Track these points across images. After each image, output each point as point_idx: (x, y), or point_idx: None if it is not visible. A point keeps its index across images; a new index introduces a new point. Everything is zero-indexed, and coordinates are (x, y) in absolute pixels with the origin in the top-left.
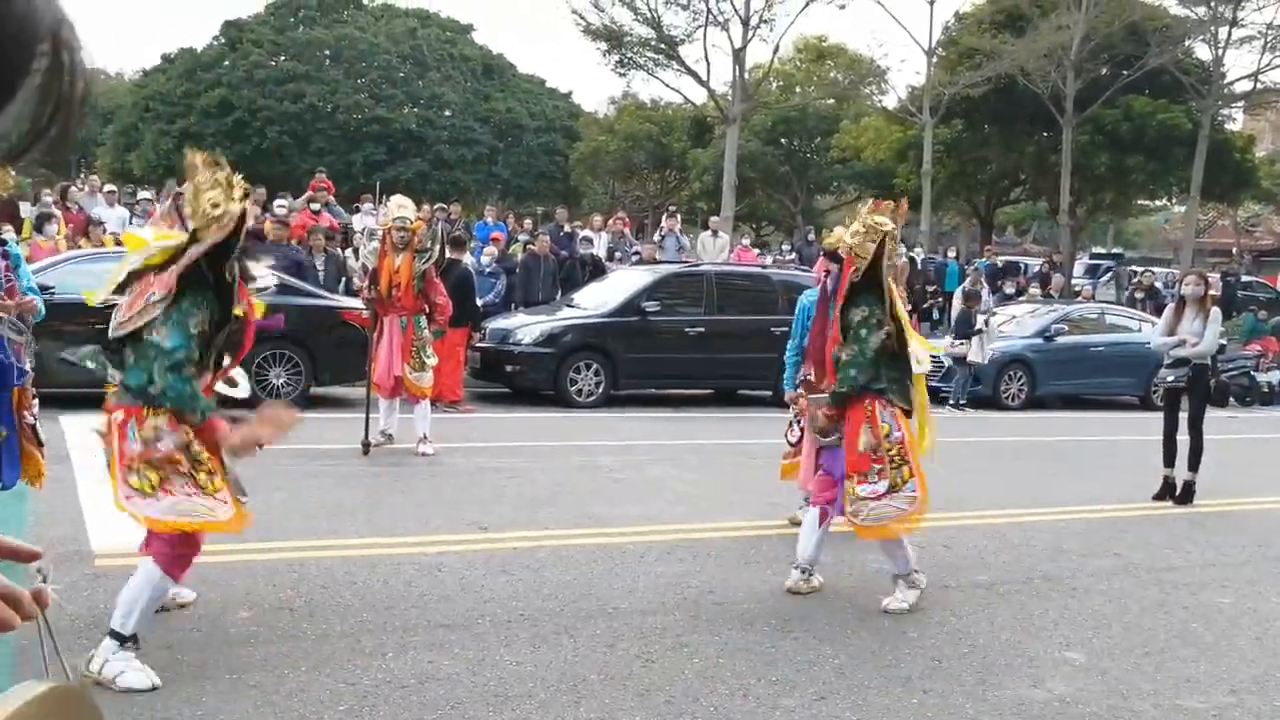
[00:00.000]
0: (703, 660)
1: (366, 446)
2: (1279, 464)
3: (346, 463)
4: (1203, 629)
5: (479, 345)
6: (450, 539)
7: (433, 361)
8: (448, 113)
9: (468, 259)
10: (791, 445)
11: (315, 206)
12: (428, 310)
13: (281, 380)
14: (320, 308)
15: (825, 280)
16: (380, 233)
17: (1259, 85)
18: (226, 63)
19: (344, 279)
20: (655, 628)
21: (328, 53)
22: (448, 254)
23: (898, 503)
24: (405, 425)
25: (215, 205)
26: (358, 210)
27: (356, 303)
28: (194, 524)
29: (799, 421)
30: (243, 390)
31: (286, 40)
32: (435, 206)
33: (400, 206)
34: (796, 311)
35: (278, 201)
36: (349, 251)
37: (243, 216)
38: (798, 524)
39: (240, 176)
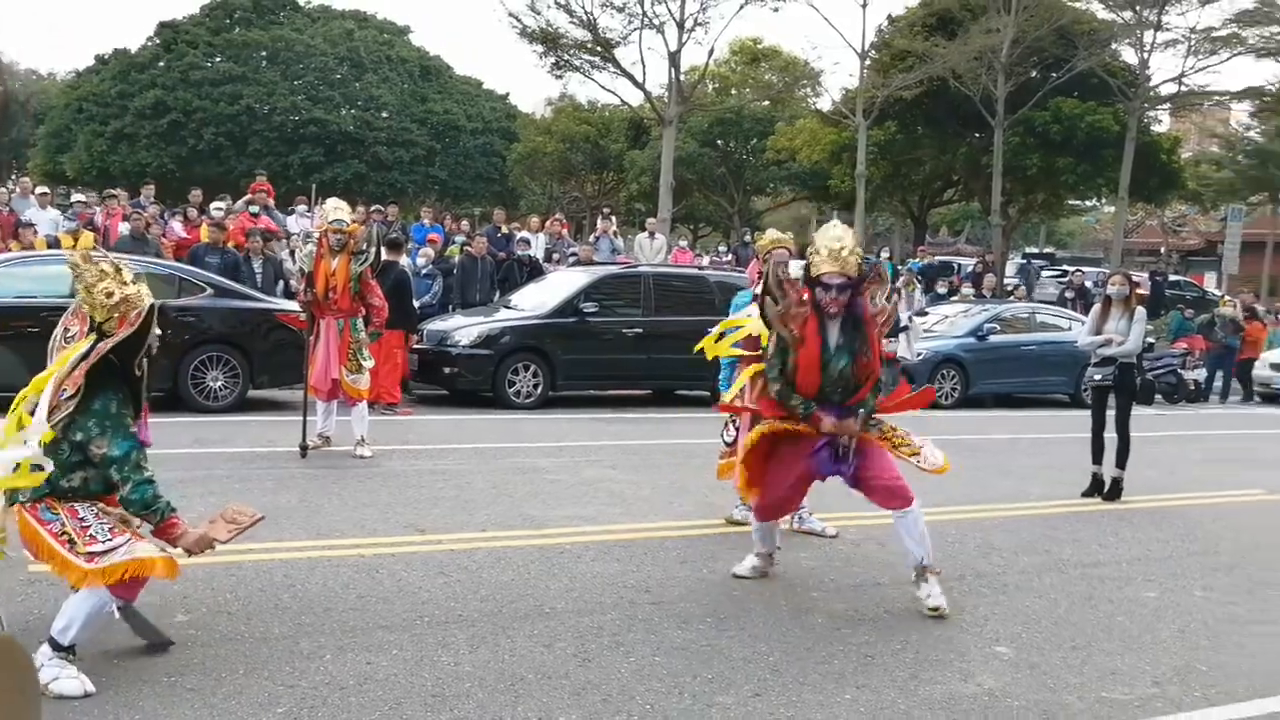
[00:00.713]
0: (639, 658)
1: (304, 449)
2: (1204, 461)
3: (284, 466)
4: (1128, 622)
5: (416, 347)
6: (388, 541)
7: (370, 364)
8: (385, 114)
9: (404, 260)
10: (728, 445)
11: (254, 209)
12: (364, 312)
13: (219, 383)
14: (257, 310)
15: (828, 303)
16: (316, 235)
17: (1183, 88)
18: (161, 64)
19: (281, 281)
20: (592, 627)
21: (264, 54)
22: (384, 256)
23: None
24: (343, 428)
25: (109, 294)
26: (293, 212)
27: (293, 305)
28: (147, 560)
29: (735, 422)
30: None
31: (222, 41)
32: (372, 208)
33: (336, 208)
34: (732, 312)
35: (215, 204)
36: (285, 253)
37: (153, 310)
38: (734, 523)
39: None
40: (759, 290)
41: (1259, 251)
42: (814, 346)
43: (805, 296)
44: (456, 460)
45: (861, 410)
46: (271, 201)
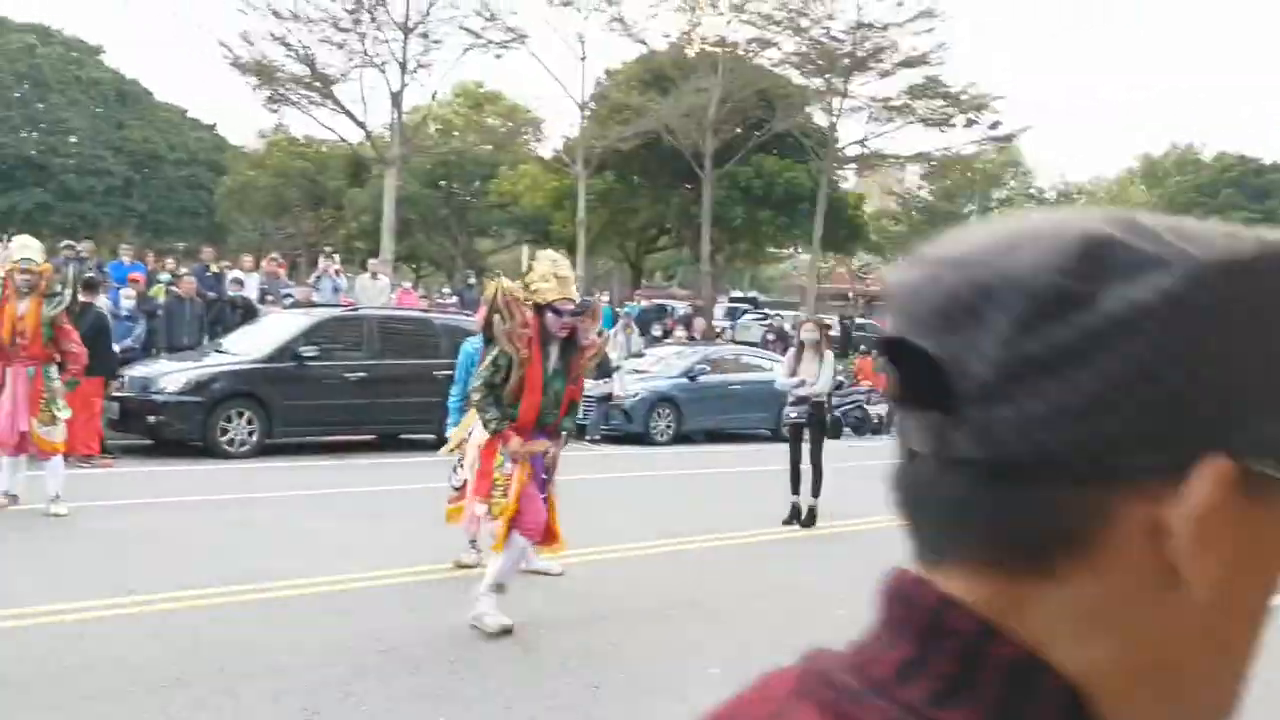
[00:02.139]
0: (370, 707)
1: None
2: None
3: None
4: (831, 638)
5: (117, 394)
6: (92, 604)
7: (65, 414)
8: (73, 139)
9: (102, 301)
10: (455, 489)
11: None
12: (59, 358)
13: None
14: None
15: (558, 326)
16: (0, 276)
17: (866, 150)
18: None
19: None
20: (320, 680)
21: None
22: (80, 297)
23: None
24: (34, 483)
25: None
26: None
27: None
28: None
29: (461, 465)
30: None
31: None
32: (64, 244)
33: (24, 247)
34: (460, 357)
35: None
36: None
37: None
38: (464, 566)
39: None
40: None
41: None
42: (537, 366)
43: (530, 318)
44: (166, 514)
45: (564, 432)
46: None
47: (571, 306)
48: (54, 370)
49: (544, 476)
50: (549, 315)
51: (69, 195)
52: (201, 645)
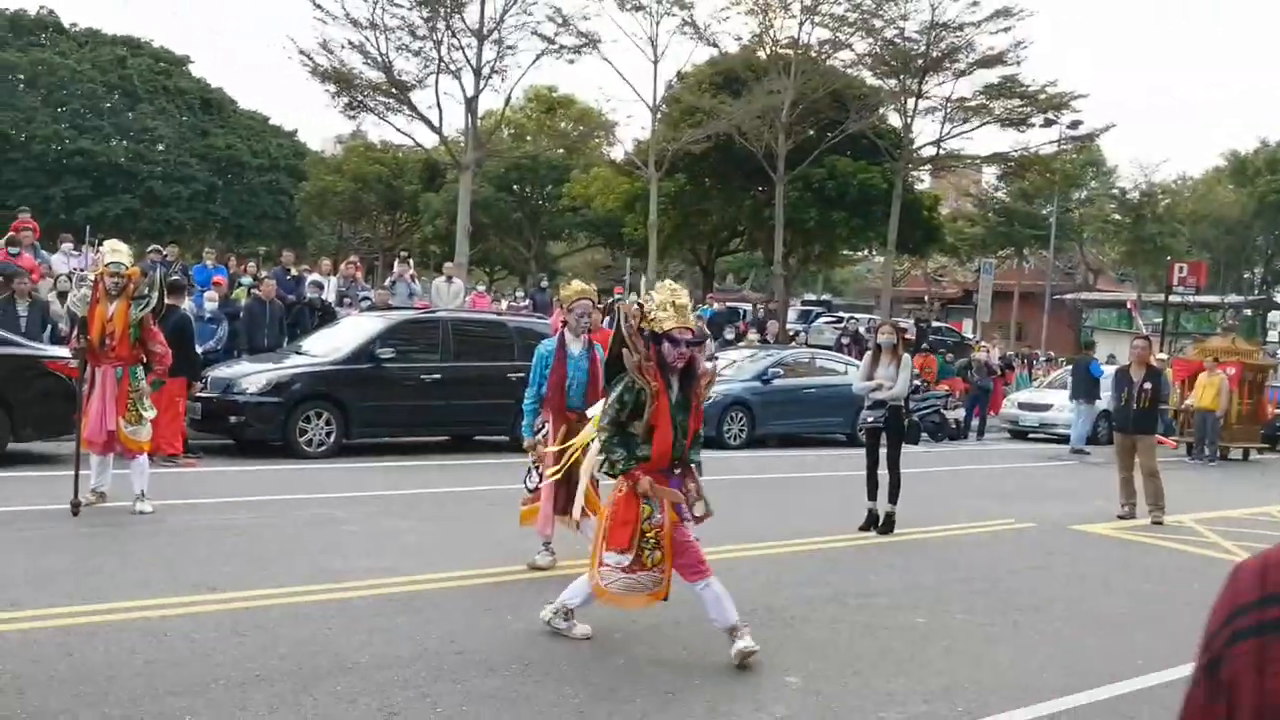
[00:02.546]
0: (446, 708)
1: (76, 507)
2: (965, 494)
3: (53, 525)
4: (901, 646)
5: (200, 395)
6: (175, 601)
7: (151, 414)
8: (161, 147)
9: (187, 304)
10: (530, 491)
11: (14, 250)
12: (145, 359)
13: None
14: (20, 357)
15: (675, 357)
16: (91, 278)
17: (941, 151)
18: None
19: (50, 326)
20: (396, 680)
21: (21, 77)
22: (165, 300)
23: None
24: (120, 482)
25: None
26: (56, 251)
27: (63, 352)
28: None
29: (537, 468)
30: None
31: None
32: (150, 248)
33: (114, 250)
34: (535, 360)
35: None
36: (52, 296)
37: None
38: (537, 569)
39: None
40: (614, 342)
41: (1008, 300)
42: (664, 400)
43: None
44: (247, 513)
45: (693, 464)
46: (36, 240)
47: (689, 335)
48: (140, 371)
49: (686, 517)
50: (666, 345)
51: (156, 201)
52: (280, 643)
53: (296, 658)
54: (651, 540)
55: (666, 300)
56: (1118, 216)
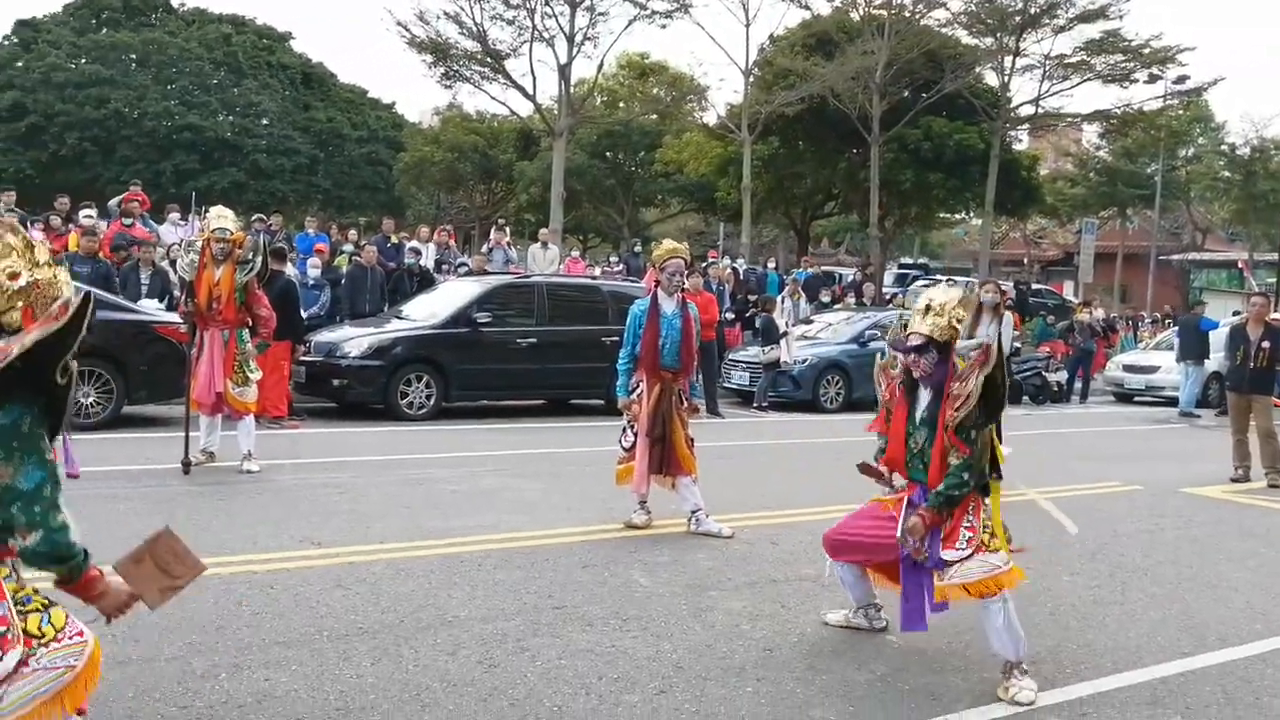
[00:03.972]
0: (544, 662)
1: (187, 466)
2: (1068, 457)
3: (166, 483)
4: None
5: (304, 359)
6: (281, 555)
7: (256, 376)
8: (265, 121)
9: (290, 270)
10: (625, 450)
11: (128, 220)
12: (250, 323)
13: (91, 399)
14: (132, 322)
15: (911, 370)
16: (199, 244)
17: (1040, 110)
18: (20, 64)
19: (169, 293)
20: (496, 634)
21: (134, 57)
22: (270, 265)
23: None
24: (228, 442)
25: (14, 275)
26: (164, 221)
27: (173, 317)
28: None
29: (632, 427)
30: None
31: (88, 43)
32: (254, 217)
33: (220, 216)
34: (629, 320)
35: (83, 211)
36: (165, 263)
37: (87, 301)
38: (634, 527)
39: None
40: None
41: (1111, 261)
42: (901, 413)
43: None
44: (350, 473)
45: (933, 507)
46: (145, 211)
47: (917, 342)
48: (246, 334)
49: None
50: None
51: (260, 174)
52: (382, 597)
53: (398, 611)
54: (988, 530)
55: (926, 300)
56: (1227, 174)
